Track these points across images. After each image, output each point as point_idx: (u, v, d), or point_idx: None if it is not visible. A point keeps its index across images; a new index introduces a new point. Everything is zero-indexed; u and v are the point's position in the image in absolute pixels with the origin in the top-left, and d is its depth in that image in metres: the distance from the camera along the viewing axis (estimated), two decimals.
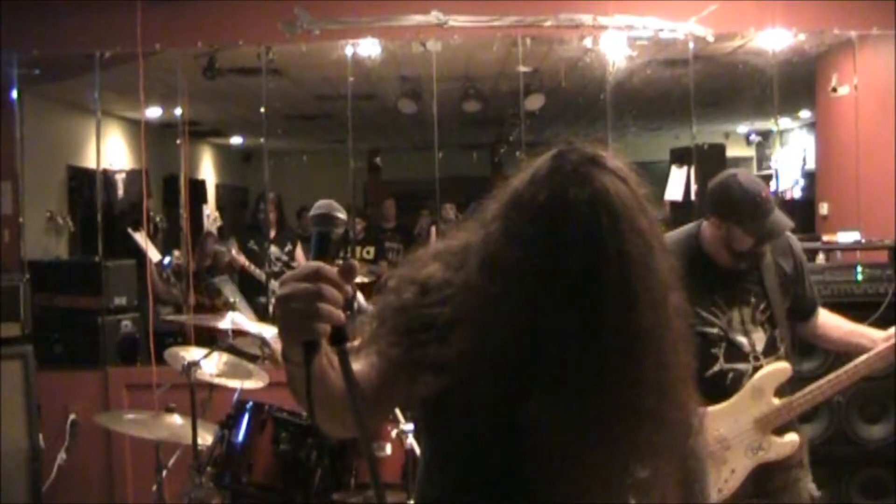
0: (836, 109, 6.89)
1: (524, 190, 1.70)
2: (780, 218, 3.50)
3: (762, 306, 3.61)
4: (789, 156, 9.74)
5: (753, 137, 10.41)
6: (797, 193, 9.25)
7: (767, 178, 9.94)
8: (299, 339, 1.55)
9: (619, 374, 1.64)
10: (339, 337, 1.58)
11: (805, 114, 9.16)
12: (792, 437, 3.61)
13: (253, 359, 5.17)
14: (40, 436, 5.47)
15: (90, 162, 7.75)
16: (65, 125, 8.40)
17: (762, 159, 10.51)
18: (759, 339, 3.60)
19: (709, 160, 7.22)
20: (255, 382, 4.68)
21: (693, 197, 7.08)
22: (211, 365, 4.62)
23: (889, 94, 6.36)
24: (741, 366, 3.59)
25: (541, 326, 1.62)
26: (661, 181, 7.93)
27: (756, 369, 3.58)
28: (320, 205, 1.66)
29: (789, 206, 7.77)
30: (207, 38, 6.53)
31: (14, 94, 6.70)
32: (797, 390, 3.61)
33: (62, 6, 6.28)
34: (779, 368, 3.59)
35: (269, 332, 4.72)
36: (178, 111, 7.04)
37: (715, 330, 3.57)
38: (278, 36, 6.42)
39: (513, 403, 1.68)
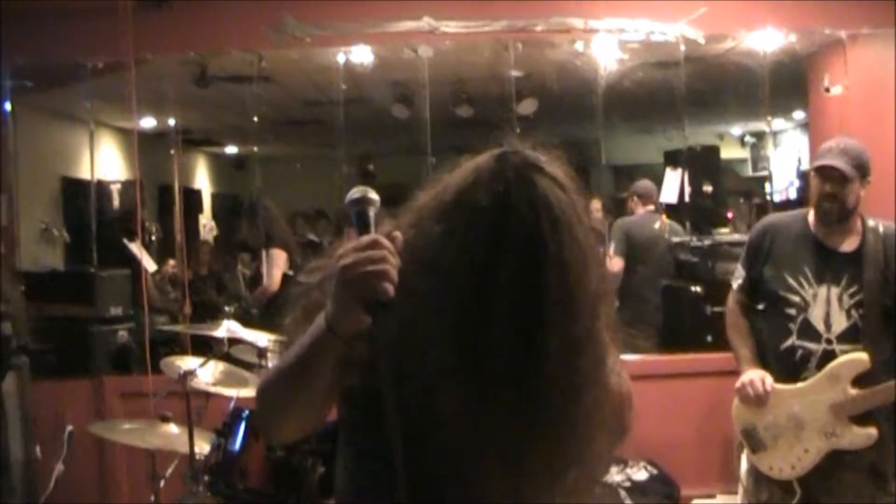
0: (830, 109, 6.89)
1: (466, 191, 1.71)
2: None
3: (852, 290, 3.65)
4: (784, 157, 9.74)
5: (748, 139, 10.43)
6: (792, 194, 9.24)
7: (763, 179, 9.97)
8: (368, 299, 1.62)
9: (555, 378, 1.65)
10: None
11: (798, 114, 9.17)
12: (869, 431, 3.64)
13: (249, 367, 5.16)
14: (37, 447, 5.44)
15: (84, 172, 7.73)
16: (58, 136, 8.39)
17: (757, 160, 10.52)
18: (840, 322, 3.65)
19: (702, 162, 7.24)
20: (250, 390, 4.67)
21: (687, 199, 7.08)
22: (207, 373, 4.61)
23: (881, 92, 6.37)
24: (812, 345, 3.67)
25: (472, 328, 1.64)
26: (655, 183, 7.93)
27: (827, 352, 3.65)
28: (356, 189, 1.77)
29: (785, 207, 7.77)
30: (198, 46, 6.53)
31: (6, 105, 6.70)
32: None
33: (52, 16, 6.27)
34: (856, 358, 3.62)
35: (265, 339, 4.71)
36: (170, 120, 7.04)
37: (797, 299, 3.68)
38: (269, 43, 6.42)
39: (432, 401, 1.68)
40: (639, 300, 6.88)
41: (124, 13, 6.19)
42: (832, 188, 3.68)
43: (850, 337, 3.63)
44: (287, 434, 1.93)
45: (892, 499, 3.69)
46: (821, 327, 3.66)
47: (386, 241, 1.67)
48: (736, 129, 10.83)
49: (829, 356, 3.65)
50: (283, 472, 4.32)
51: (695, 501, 5.82)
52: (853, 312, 3.63)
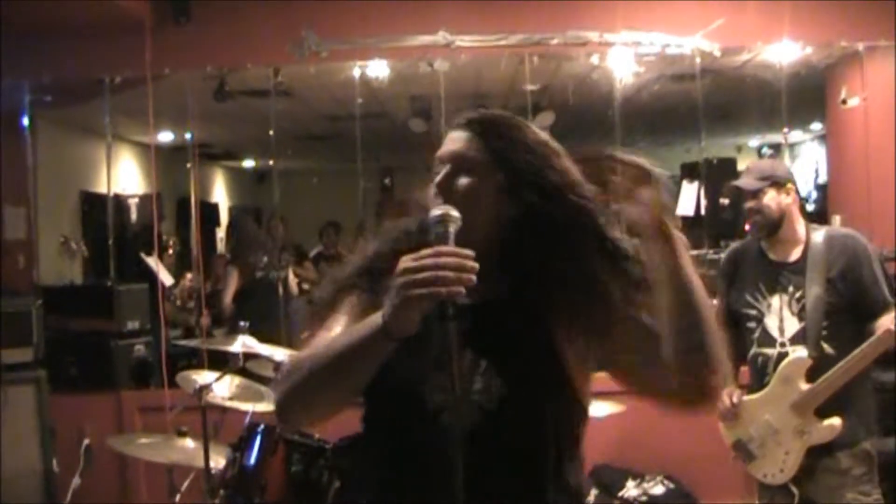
0: (847, 121, 6.88)
1: None
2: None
3: (798, 295, 3.86)
4: (801, 168, 9.72)
5: (766, 151, 10.40)
6: (810, 206, 9.22)
7: None
8: (432, 302, 1.71)
9: None
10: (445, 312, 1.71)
11: (816, 126, 9.15)
12: (832, 423, 3.80)
13: (264, 381, 5.17)
14: (54, 460, 5.47)
15: (103, 187, 7.79)
16: (77, 150, 8.45)
17: None
18: (792, 326, 3.87)
19: (719, 174, 7.22)
20: (266, 405, 4.67)
21: (703, 212, 7.06)
22: (223, 388, 4.62)
23: None
24: (769, 350, 3.92)
25: None
26: (672, 197, 7.90)
27: (781, 355, 3.87)
28: (438, 208, 1.85)
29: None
30: (216, 60, 6.57)
31: (26, 120, 6.75)
32: None
33: (72, 32, 6.32)
34: (797, 357, 3.84)
35: (281, 354, 4.72)
36: (188, 134, 7.08)
37: (754, 312, 3.94)
38: (287, 57, 6.46)
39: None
40: None
41: (143, 29, 6.24)
42: (749, 203, 3.94)
43: (801, 338, 3.85)
44: (305, 419, 2.08)
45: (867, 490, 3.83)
46: (775, 333, 3.90)
47: (450, 252, 1.75)
48: (753, 142, 10.80)
49: (783, 358, 3.87)
50: (299, 486, 4.33)
51: None
52: (802, 315, 3.85)
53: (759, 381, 3.96)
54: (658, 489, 5.72)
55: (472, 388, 1.88)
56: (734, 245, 4.31)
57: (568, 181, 1.95)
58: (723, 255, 4.34)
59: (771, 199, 3.89)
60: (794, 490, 3.88)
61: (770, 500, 4.02)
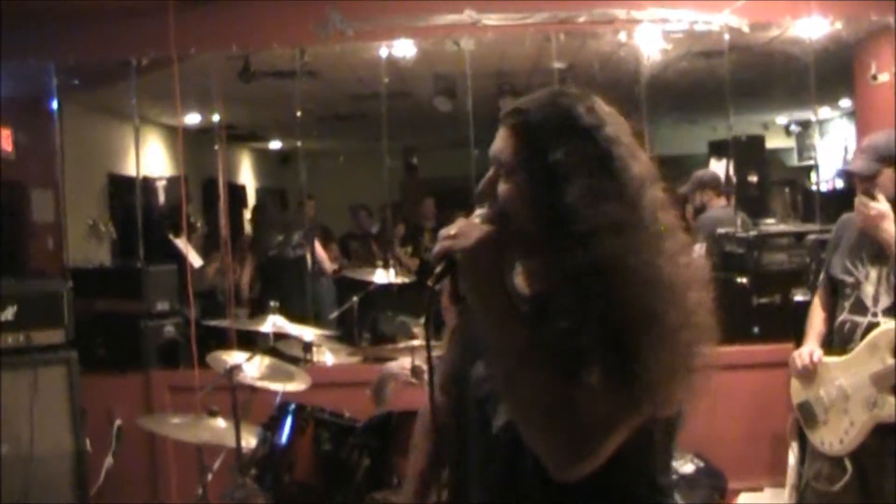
0: (876, 97, 6.80)
1: None
2: None
3: None
4: (830, 146, 9.64)
5: (794, 128, 10.33)
6: (839, 184, 9.14)
7: (809, 169, 9.86)
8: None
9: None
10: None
11: (845, 102, 9.07)
12: None
13: (294, 361, 5.19)
14: (87, 440, 5.51)
15: (130, 169, 7.82)
16: (104, 133, 8.48)
17: (803, 150, 10.42)
18: (887, 298, 3.81)
19: (748, 152, 7.18)
20: (296, 385, 4.70)
21: (732, 189, 7.02)
22: (253, 368, 4.64)
23: None
24: (860, 318, 3.85)
25: None
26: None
27: (871, 324, 3.80)
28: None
29: (831, 197, 7.68)
30: (241, 41, 6.56)
31: (54, 103, 6.78)
32: None
33: (97, 14, 6.33)
34: (890, 327, 3.75)
35: (310, 334, 4.73)
36: (215, 116, 7.09)
37: (851, 279, 3.89)
38: (312, 38, 6.44)
39: None
40: None
41: (168, 10, 6.24)
42: (863, 188, 3.87)
43: (894, 311, 3.77)
44: None
45: None
46: (869, 303, 3.83)
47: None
48: (781, 119, 10.73)
49: (872, 328, 3.80)
50: (330, 465, 4.34)
51: (743, 494, 5.77)
52: None
53: (842, 346, 3.89)
54: (688, 467, 5.70)
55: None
56: (845, 215, 4.16)
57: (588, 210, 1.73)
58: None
59: (888, 179, 3.83)
60: (849, 466, 3.80)
61: (818, 470, 3.94)
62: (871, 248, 3.86)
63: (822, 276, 4.17)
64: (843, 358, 3.86)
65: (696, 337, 1.74)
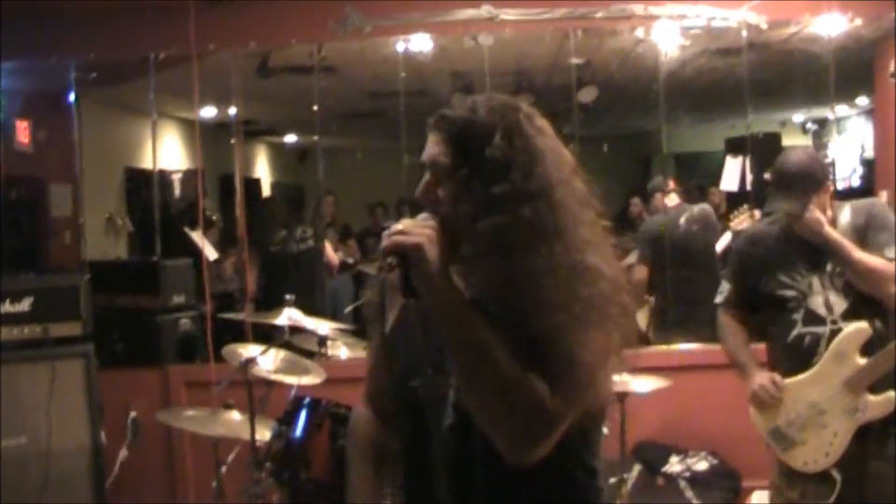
0: (894, 95, 6.76)
1: None
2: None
3: (837, 270, 3.74)
4: (847, 144, 9.59)
5: (810, 126, 10.27)
6: (856, 182, 9.10)
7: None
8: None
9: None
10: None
11: (863, 100, 9.02)
12: (888, 395, 3.68)
13: (309, 355, 5.20)
14: (102, 433, 5.53)
15: (147, 163, 7.84)
16: (121, 127, 8.50)
17: (819, 148, 10.36)
18: (839, 303, 3.73)
19: (764, 149, 7.14)
20: (312, 379, 4.71)
21: (749, 187, 7.00)
22: (268, 361, 4.65)
23: None
24: (818, 329, 3.74)
25: None
26: (716, 172, 7.85)
27: (834, 332, 3.72)
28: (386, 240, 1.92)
29: (848, 195, 7.64)
30: (260, 37, 6.57)
31: (72, 98, 6.80)
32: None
33: (116, 10, 6.35)
34: (856, 329, 3.69)
35: (325, 328, 4.74)
36: (232, 111, 7.11)
37: (793, 293, 3.78)
38: (330, 34, 6.45)
39: None
40: (686, 302, 6.73)
41: (187, 6, 6.25)
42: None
43: (853, 314, 3.71)
44: None
45: None
46: (822, 312, 3.74)
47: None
48: (797, 117, 10.67)
49: (835, 335, 3.72)
50: (345, 460, 4.35)
51: (756, 493, 5.75)
52: (847, 291, 3.73)
53: (802, 362, 3.77)
54: (702, 465, 5.70)
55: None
56: (745, 232, 4.21)
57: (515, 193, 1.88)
58: (734, 243, 4.24)
59: (817, 204, 3.75)
60: (837, 476, 3.71)
61: (802, 491, 3.81)
62: (802, 258, 3.79)
63: (725, 294, 4.04)
64: (807, 374, 3.74)
65: (615, 330, 1.89)
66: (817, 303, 3.75)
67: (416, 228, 1.86)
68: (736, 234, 6.48)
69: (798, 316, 3.77)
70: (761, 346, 3.99)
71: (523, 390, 1.77)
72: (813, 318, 3.75)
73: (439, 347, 1.90)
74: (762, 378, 3.82)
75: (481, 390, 1.80)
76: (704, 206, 7.16)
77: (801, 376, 3.77)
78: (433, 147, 1.97)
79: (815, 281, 3.77)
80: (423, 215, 1.92)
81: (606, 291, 1.88)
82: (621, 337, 1.91)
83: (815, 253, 3.78)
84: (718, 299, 4.06)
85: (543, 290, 1.81)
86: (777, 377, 3.80)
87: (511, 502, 1.95)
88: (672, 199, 7.13)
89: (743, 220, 6.35)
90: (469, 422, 1.86)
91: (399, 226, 1.87)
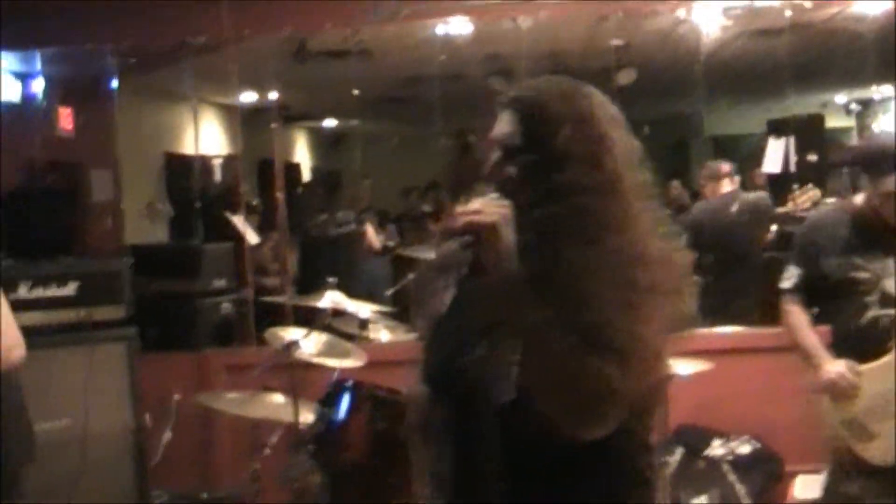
0: None
1: None
2: None
3: None
4: (890, 124, 9.48)
5: (854, 107, 10.16)
6: None
7: None
8: None
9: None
10: None
11: None
12: None
13: (348, 338, 5.20)
14: (147, 416, 5.57)
15: (186, 148, 7.88)
16: (160, 113, 8.55)
17: (863, 129, 10.25)
18: None
19: (808, 131, 7.08)
20: (353, 361, 4.71)
21: (793, 168, 6.93)
22: (310, 344, 4.66)
23: None
24: (893, 311, 3.65)
25: None
26: (754, 154, 7.78)
27: None
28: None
29: None
30: (296, 22, 6.56)
31: (113, 84, 6.84)
32: None
33: None
34: None
35: (367, 310, 4.74)
36: (270, 96, 7.12)
37: (867, 275, 3.70)
38: (366, 18, 6.43)
39: None
40: (726, 289, 6.65)
41: None
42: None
43: None
44: None
45: None
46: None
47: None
48: (840, 98, 10.56)
49: None
50: (385, 443, 4.35)
51: (800, 477, 5.71)
52: None
53: (877, 346, 3.65)
54: (744, 448, 5.65)
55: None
56: (811, 217, 4.14)
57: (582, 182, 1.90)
58: (799, 228, 4.13)
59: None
60: None
61: (863, 485, 3.71)
62: (875, 241, 3.72)
63: (795, 280, 3.94)
64: (884, 360, 3.63)
65: (674, 314, 1.91)
66: (892, 285, 3.67)
67: (490, 207, 1.87)
68: (788, 216, 6.38)
69: (872, 299, 3.69)
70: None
71: (590, 368, 1.76)
72: (888, 300, 3.67)
73: (500, 325, 1.90)
74: (839, 365, 3.70)
75: (548, 369, 1.80)
76: (761, 194, 7.03)
77: (877, 362, 3.66)
78: (504, 126, 1.98)
79: (890, 263, 3.68)
80: (492, 195, 1.92)
81: (667, 278, 1.91)
82: (680, 321, 1.94)
83: (887, 235, 3.71)
84: (787, 285, 3.95)
85: (607, 278, 1.83)
86: (854, 364, 3.68)
87: (566, 480, 1.94)
88: (726, 186, 7.02)
89: (808, 199, 6.23)
90: (526, 399, 1.85)
91: (475, 205, 1.88)
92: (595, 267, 1.83)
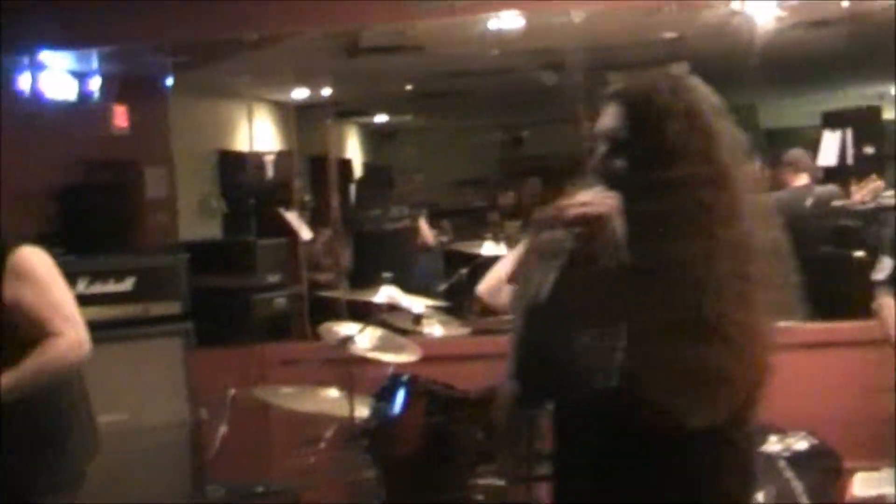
0: None
1: None
2: None
3: None
4: None
5: None
6: None
7: None
8: None
9: None
10: None
11: None
12: None
13: (402, 333, 5.21)
14: (203, 410, 5.62)
15: (239, 145, 7.93)
16: (214, 110, 8.61)
17: None
18: None
19: (865, 123, 6.97)
20: (407, 356, 4.72)
21: (851, 160, 6.83)
22: (364, 339, 4.67)
23: None
24: None
25: None
26: (808, 147, 7.67)
27: None
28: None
29: None
30: (348, 16, 6.57)
31: (168, 81, 6.90)
32: None
33: None
34: None
35: (421, 306, 4.75)
36: (323, 92, 7.15)
37: None
38: (418, 13, 6.42)
39: None
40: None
41: None
42: None
43: None
44: None
45: None
46: None
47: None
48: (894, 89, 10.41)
49: None
50: (440, 438, 4.36)
51: (859, 474, 5.64)
52: None
53: None
54: (801, 445, 5.58)
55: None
56: None
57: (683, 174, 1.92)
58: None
59: None
60: None
61: None
62: None
63: (889, 274, 3.98)
64: None
65: (777, 302, 1.98)
66: None
67: (599, 199, 1.90)
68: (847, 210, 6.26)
69: None
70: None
71: (706, 359, 1.81)
72: None
73: (608, 314, 1.89)
74: None
75: (663, 358, 1.83)
76: (833, 189, 6.93)
77: None
78: (610, 120, 2.00)
79: None
80: (598, 188, 1.95)
81: (774, 270, 1.96)
82: (784, 312, 2.01)
83: None
84: (880, 276, 3.93)
85: (723, 270, 1.86)
86: None
87: (671, 468, 1.95)
88: (802, 179, 6.92)
89: (871, 192, 6.15)
90: (634, 386, 1.85)
91: (583, 197, 1.92)
92: (711, 259, 1.86)
